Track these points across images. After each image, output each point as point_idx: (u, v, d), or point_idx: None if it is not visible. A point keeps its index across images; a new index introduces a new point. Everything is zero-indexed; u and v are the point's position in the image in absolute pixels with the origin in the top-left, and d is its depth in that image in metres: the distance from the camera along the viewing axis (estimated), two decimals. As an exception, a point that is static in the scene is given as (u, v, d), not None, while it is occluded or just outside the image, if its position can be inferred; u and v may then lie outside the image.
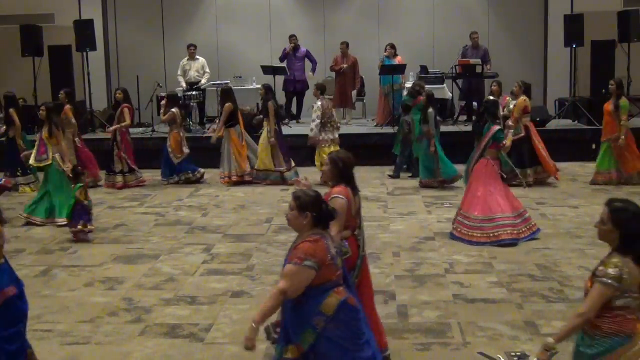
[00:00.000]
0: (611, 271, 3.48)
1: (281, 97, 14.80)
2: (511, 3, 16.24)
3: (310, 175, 6.93)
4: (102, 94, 16.09)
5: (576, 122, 14.21)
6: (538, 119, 13.33)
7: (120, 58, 16.57)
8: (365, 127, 14.26)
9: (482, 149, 7.96)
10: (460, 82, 14.58)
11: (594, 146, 12.57)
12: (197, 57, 14.67)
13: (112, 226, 9.17)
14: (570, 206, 9.57)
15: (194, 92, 14.27)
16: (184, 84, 14.48)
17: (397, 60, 14.12)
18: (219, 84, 14.64)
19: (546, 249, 7.67)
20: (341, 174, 4.70)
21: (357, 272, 4.81)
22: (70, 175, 8.91)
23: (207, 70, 14.68)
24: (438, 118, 11.35)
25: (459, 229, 8.03)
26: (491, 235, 7.80)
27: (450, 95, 14.49)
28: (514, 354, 4.99)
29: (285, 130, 13.80)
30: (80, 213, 8.48)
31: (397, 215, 9.30)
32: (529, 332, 5.46)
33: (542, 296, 6.24)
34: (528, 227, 8.01)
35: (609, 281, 3.47)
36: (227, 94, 11.72)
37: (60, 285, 6.87)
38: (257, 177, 11.59)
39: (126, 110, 11.67)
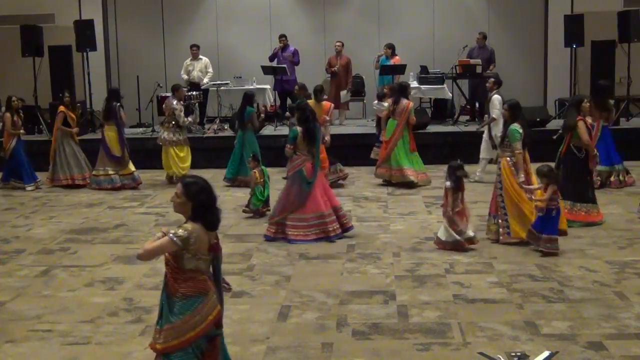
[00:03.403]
0: (180, 232, 3.90)
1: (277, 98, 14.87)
2: (511, 3, 16.25)
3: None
4: (102, 94, 16.01)
5: (576, 122, 14.20)
6: (538, 119, 13.34)
7: (120, 58, 16.58)
8: (364, 127, 14.25)
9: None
10: (459, 82, 14.58)
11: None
12: (200, 56, 14.67)
13: (112, 226, 9.17)
14: (570, 206, 9.56)
15: (195, 92, 14.27)
16: (186, 79, 14.44)
17: (394, 61, 14.12)
18: (219, 83, 14.65)
19: (546, 249, 7.66)
20: None
21: None
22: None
23: (210, 69, 14.66)
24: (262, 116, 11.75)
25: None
26: (306, 233, 8.16)
27: (450, 95, 14.49)
28: (514, 354, 5.00)
29: (285, 130, 13.84)
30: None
31: (397, 215, 9.30)
32: (529, 332, 5.46)
33: (542, 296, 6.24)
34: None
35: (175, 239, 3.88)
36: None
37: (60, 285, 6.87)
38: (95, 182, 11.62)
39: None
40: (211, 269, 4.10)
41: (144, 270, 7.26)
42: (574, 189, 8.51)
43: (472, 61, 14.21)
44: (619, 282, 6.55)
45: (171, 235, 3.89)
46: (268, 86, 14.94)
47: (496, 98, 10.91)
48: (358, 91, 15.51)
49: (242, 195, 10.78)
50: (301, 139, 8.16)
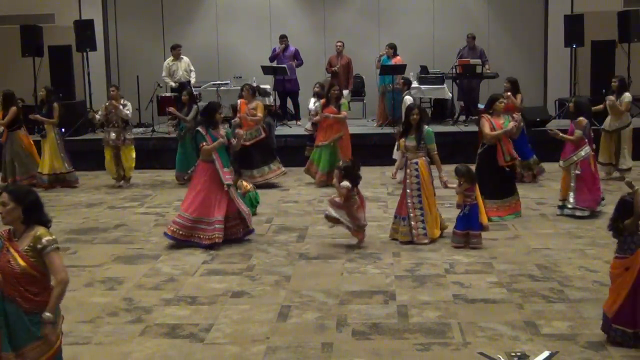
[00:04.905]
0: (51, 238, 3.91)
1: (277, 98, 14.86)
2: (511, 3, 16.25)
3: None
4: (102, 94, 16.06)
5: (576, 122, 14.21)
6: (538, 119, 13.34)
7: (120, 58, 16.57)
8: (365, 127, 14.25)
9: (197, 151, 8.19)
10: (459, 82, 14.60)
11: (594, 146, 12.56)
12: (182, 56, 14.57)
13: (112, 226, 9.17)
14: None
15: (196, 92, 14.24)
16: (172, 84, 14.39)
17: (395, 61, 14.12)
18: (219, 83, 14.64)
19: (546, 249, 7.67)
20: None
21: None
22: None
23: (192, 68, 14.54)
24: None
25: (172, 228, 8.01)
26: (202, 237, 7.89)
27: (450, 95, 14.50)
28: (514, 354, 5.00)
29: (285, 130, 13.85)
30: None
31: (397, 215, 9.28)
32: (529, 332, 5.46)
33: (542, 296, 6.24)
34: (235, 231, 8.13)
35: (57, 245, 3.92)
36: (10, 98, 11.70)
37: (60, 285, 6.86)
38: (41, 181, 11.67)
39: None
40: None
41: (144, 270, 7.26)
42: (485, 186, 8.53)
43: (472, 61, 14.21)
44: (619, 282, 6.55)
45: (53, 246, 3.90)
46: (268, 86, 14.94)
47: (408, 99, 11.20)
48: (358, 91, 15.51)
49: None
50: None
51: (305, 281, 6.80)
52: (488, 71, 14.33)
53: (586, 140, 8.91)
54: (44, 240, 3.89)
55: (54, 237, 3.95)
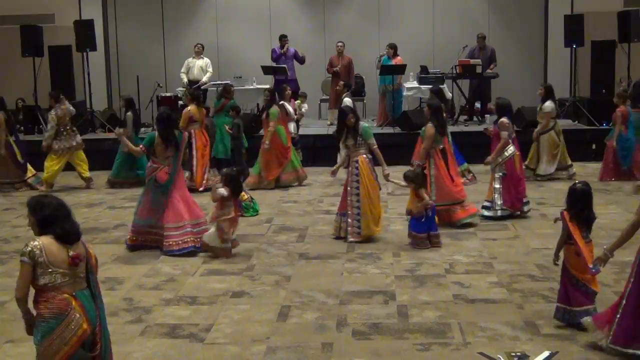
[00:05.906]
0: (24, 249, 3.89)
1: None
2: (511, 3, 16.26)
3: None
4: (102, 94, 16.11)
5: (576, 122, 14.24)
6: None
7: (120, 58, 16.58)
8: (365, 127, 14.23)
9: (182, 158, 7.99)
10: (460, 82, 14.59)
11: (593, 146, 12.58)
12: (202, 56, 14.68)
13: (112, 226, 9.17)
14: (570, 206, 9.56)
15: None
16: (185, 80, 14.46)
17: (395, 61, 14.12)
18: (219, 83, 14.64)
19: (546, 249, 7.65)
20: None
21: None
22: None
23: (210, 69, 14.67)
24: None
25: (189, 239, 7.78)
26: (180, 242, 7.69)
27: (450, 95, 14.49)
28: (514, 354, 5.00)
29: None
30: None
31: (397, 215, 9.29)
32: (529, 332, 5.46)
33: (542, 296, 6.24)
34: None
35: (22, 257, 3.90)
36: None
37: (60, 285, 6.87)
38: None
39: None
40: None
41: (144, 270, 7.26)
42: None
43: (472, 61, 14.22)
44: (619, 282, 6.55)
45: (20, 257, 3.91)
46: (268, 86, 14.93)
47: (347, 101, 11.27)
48: (358, 91, 15.50)
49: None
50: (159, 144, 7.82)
51: (305, 281, 6.80)
52: (489, 71, 14.34)
53: (510, 140, 8.86)
54: (22, 249, 3.90)
55: (28, 249, 3.89)
